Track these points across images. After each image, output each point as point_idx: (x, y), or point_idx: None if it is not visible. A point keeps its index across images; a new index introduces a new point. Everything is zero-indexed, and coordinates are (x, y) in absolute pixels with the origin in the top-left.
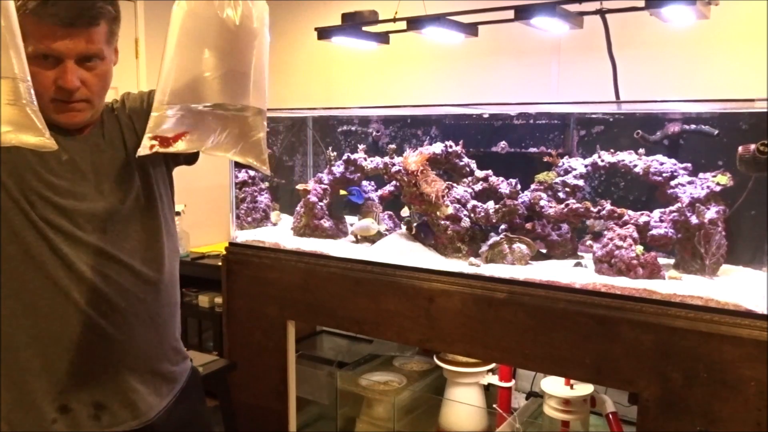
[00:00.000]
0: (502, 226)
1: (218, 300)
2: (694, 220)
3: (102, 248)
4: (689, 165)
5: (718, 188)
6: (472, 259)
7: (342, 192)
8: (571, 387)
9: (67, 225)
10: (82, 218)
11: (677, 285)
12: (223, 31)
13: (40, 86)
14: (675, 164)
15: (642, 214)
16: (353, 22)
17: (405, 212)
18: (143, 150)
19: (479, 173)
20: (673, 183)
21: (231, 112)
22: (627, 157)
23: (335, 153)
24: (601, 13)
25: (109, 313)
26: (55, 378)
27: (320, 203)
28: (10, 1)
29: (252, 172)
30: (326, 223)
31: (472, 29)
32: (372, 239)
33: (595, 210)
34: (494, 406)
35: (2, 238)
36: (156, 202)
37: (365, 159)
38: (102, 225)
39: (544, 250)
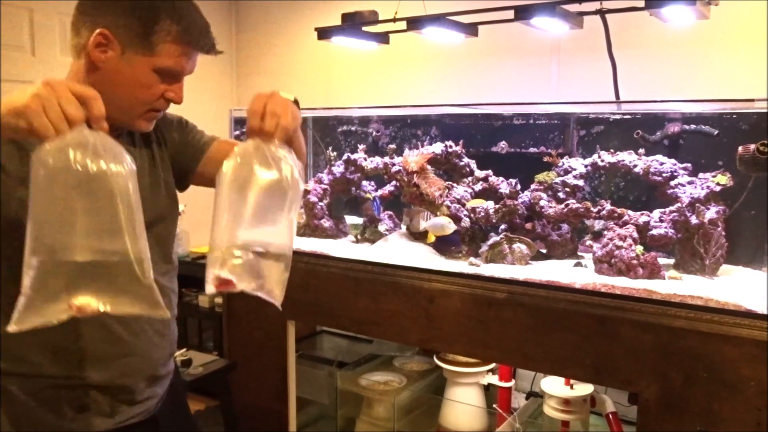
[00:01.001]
0: (502, 226)
1: (218, 300)
2: (694, 220)
3: None
4: (689, 165)
5: (718, 188)
6: (472, 259)
7: (368, 195)
8: (571, 387)
9: None
10: None
11: (677, 285)
12: (273, 184)
13: (151, 97)
14: (675, 164)
15: (642, 214)
16: (353, 22)
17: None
18: (209, 288)
19: (479, 173)
20: (673, 183)
21: (277, 255)
22: (627, 157)
23: (335, 153)
24: (601, 13)
25: (128, 322)
26: (73, 384)
27: (320, 203)
28: (131, 186)
29: None
30: (326, 223)
31: (472, 29)
32: (372, 239)
33: (595, 210)
34: (494, 406)
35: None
36: (176, 214)
37: (365, 159)
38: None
39: (544, 250)
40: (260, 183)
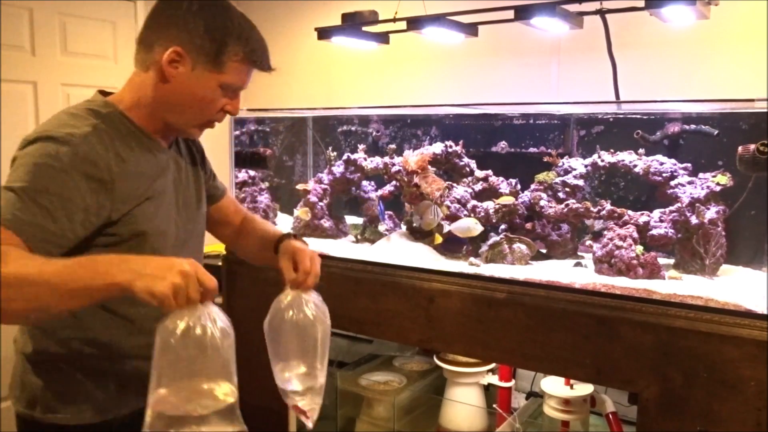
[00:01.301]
0: (502, 226)
1: (218, 300)
2: (694, 220)
3: None
4: (689, 165)
5: (718, 188)
6: (472, 259)
7: (374, 201)
8: (571, 387)
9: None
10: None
11: (677, 285)
12: (317, 322)
13: (212, 110)
14: (675, 164)
15: (642, 214)
16: (353, 22)
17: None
18: (310, 425)
19: (479, 173)
20: (673, 183)
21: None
22: (627, 157)
23: (335, 153)
24: (601, 13)
25: None
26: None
27: (320, 203)
28: (233, 344)
29: (252, 172)
30: (326, 223)
31: (472, 29)
32: (372, 239)
33: (595, 210)
34: (494, 406)
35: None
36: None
37: (365, 159)
38: (179, 245)
39: (544, 250)
40: (305, 325)
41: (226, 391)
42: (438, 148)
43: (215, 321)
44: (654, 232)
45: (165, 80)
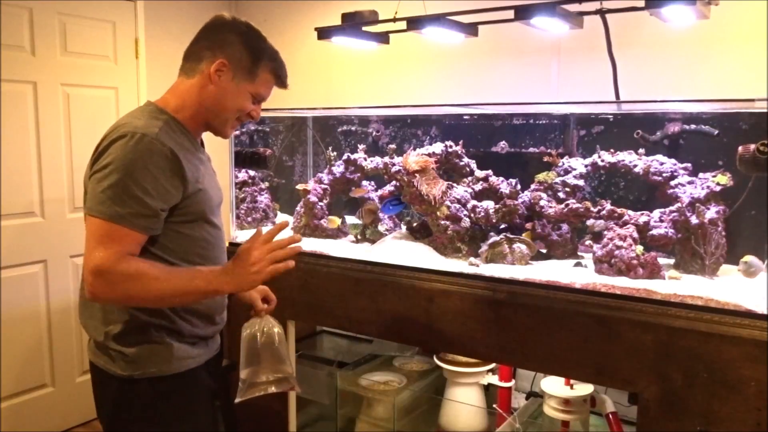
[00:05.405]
0: (502, 226)
1: None
2: (694, 220)
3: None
4: (689, 165)
5: (718, 188)
6: (471, 259)
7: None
8: (571, 387)
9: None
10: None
11: (677, 285)
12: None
13: (242, 111)
14: (675, 164)
15: (642, 214)
16: (353, 22)
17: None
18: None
19: (479, 173)
20: (673, 183)
21: None
22: (627, 157)
23: (335, 153)
24: (601, 13)
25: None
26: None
27: (320, 203)
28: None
29: (252, 172)
30: (326, 223)
31: (472, 29)
32: (373, 239)
33: (595, 210)
34: (494, 406)
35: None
36: None
37: (365, 159)
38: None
39: (544, 250)
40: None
41: (287, 370)
42: (438, 148)
43: (274, 326)
44: (654, 232)
45: (209, 84)
